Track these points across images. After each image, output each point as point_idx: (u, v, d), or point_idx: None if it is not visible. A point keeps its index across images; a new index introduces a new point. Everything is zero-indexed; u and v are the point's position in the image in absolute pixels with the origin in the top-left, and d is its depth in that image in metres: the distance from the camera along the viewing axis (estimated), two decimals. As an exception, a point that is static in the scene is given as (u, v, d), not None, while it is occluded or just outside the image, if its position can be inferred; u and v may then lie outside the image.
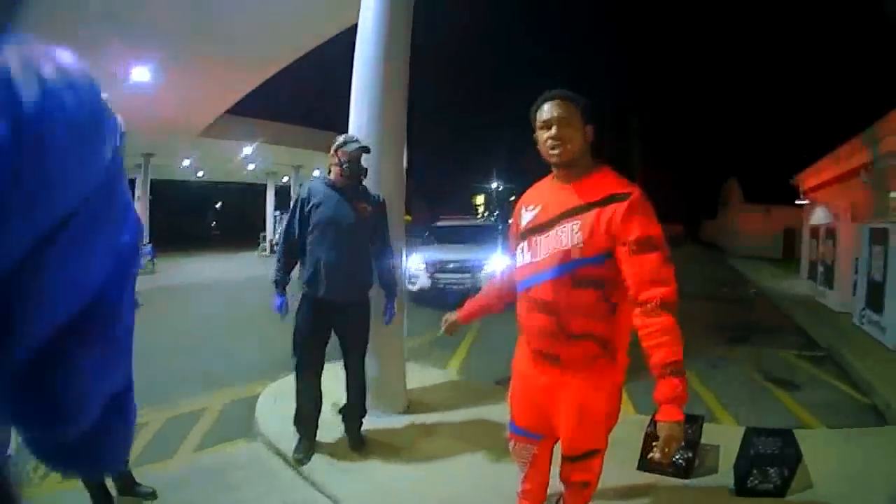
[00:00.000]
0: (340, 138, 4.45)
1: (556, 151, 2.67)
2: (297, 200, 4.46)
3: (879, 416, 6.09)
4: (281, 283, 4.49)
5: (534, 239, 2.74)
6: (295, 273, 4.56)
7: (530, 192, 2.96)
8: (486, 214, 46.20)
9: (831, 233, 14.58)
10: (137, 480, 3.95)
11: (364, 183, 4.57)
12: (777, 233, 31.10)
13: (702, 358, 8.24)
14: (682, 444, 2.26)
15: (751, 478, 3.80)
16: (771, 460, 3.80)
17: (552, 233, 2.64)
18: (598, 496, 3.15)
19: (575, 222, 2.56)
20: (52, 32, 7.95)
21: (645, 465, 4.13)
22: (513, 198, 64.51)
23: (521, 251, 2.81)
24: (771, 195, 29.98)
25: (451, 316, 3.40)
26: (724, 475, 4.07)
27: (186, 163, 30.58)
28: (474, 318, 3.41)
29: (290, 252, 4.49)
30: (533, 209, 2.83)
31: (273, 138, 25.29)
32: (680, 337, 2.35)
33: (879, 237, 10.08)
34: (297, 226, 4.41)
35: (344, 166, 4.35)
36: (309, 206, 4.36)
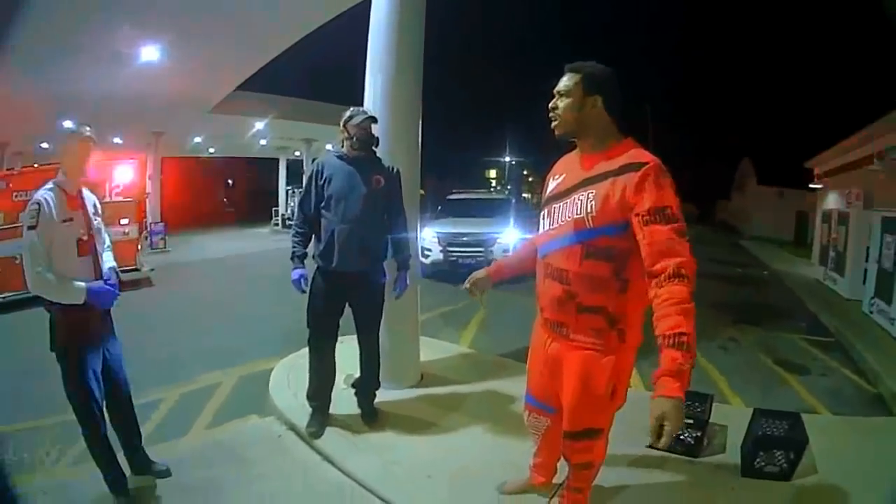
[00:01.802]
0: (348, 112, 4.43)
1: (552, 124, 2.75)
2: (310, 174, 4.47)
3: (885, 406, 6.06)
4: (299, 257, 4.48)
5: (553, 207, 2.77)
6: (311, 248, 4.55)
7: (559, 163, 2.97)
8: (499, 188, 45.97)
9: (843, 219, 14.40)
10: (151, 458, 3.96)
11: (378, 155, 4.55)
12: (790, 216, 30.73)
13: (712, 338, 8.28)
14: (681, 424, 2.10)
15: (757, 459, 3.78)
16: (778, 443, 3.79)
17: (569, 201, 2.66)
18: (606, 472, 3.18)
19: (590, 191, 2.56)
20: (61, 13, 7.96)
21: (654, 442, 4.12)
22: (525, 171, 64.21)
23: (543, 218, 2.85)
24: (785, 178, 29.53)
25: (479, 273, 3.38)
26: (731, 455, 4.06)
27: (197, 139, 30.54)
28: (502, 278, 3.38)
29: (306, 225, 4.49)
30: (557, 178, 2.86)
31: (285, 113, 25.13)
32: (690, 310, 2.22)
33: (892, 226, 9.98)
34: (311, 199, 4.41)
35: (354, 139, 4.35)
36: (322, 180, 4.36)
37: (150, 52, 13.67)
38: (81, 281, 3.33)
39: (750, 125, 46.80)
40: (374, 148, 4.47)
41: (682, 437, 4.03)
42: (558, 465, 3.32)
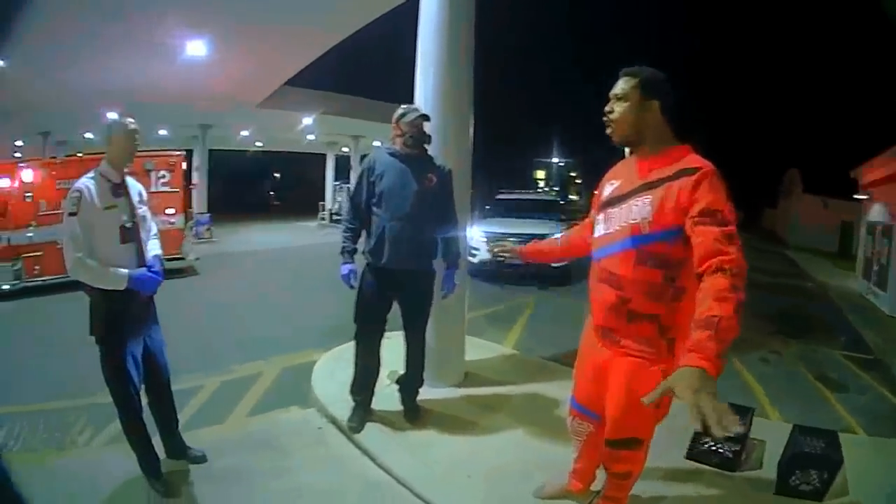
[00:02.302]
0: (401, 109, 4.40)
1: (607, 130, 2.73)
2: (362, 170, 4.44)
3: (921, 428, 5.87)
4: (349, 252, 4.44)
5: (610, 211, 2.75)
6: (361, 243, 4.52)
7: (615, 167, 2.94)
8: (546, 189, 45.82)
9: (887, 232, 14.00)
10: (188, 444, 3.97)
11: (430, 153, 4.50)
12: (834, 226, 30.06)
13: (755, 350, 8.15)
14: (713, 395, 1.93)
15: (793, 477, 3.69)
16: (814, 461, 3.68)
17: (625, 206, 2.64)
18: (643, 481, 3.14)
19: (646, 197, 2.54)
20: (112, 6, 8.06)
21: (693, 454, 4.05)
22: (573, 173, 63.92)
23: (598, 223, 2.83)
24: (831, 187, 28.96)
25: (509, 245, 3.53)
26: (768, 471, 3.95)
27: (245, 133, 30.90)
28: (531, 258, 3.49)
29: (357, 221, 4.46)
30: (614, 183, 2.83)
31: (332, 109, 25.29)
32: (728, 298, 2.09)
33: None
34: (363, 195, 4.38)
35: (406, 136, 4.31)
36: (374, 176, 4.33)
37: (197, 46, 13.84)
38: (124, 267, 3.34)
39: (798, 132, 46.09)
40: (426, 146, 4.42)
41: (720, 450, 3.95)
42: (597, 472, 3.31)
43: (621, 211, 2.66)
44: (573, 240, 3.32)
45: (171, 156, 13.42)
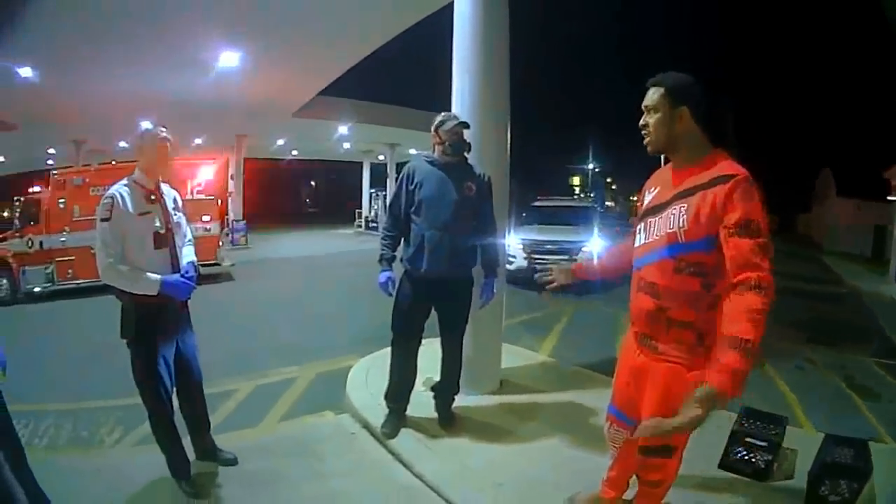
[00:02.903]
0: (440, 117, 4.37)
1: (644, 141, 2.71)
2: (401, 178, 4.42)
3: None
4: (387, 260, 4.41)
5: (649, 220, 2.74)
6: (399, 251, 4.50)
7: (654, 176, 2.93)
8: (582, 195, 45.60)
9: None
10: (219, 446, 3.98)
11: (469, 161, 4.47)
12: (868, 229, 29.53)
13: (788, 357, 8.04)
14: (703, 419, 2.21)
15: (822, 487, 3.60)
16: (843, 471, 3.59)
17: (663, 215, 2.62)
18: (675, 489, 3.10)
19: (683, 205, 2.52)
20: (140, 21, 8.18)
21: (726, 463, 3.95)
22: (609, 179, 63.60)
23: (639, 232, 2.82)
24: (865, 189, 28.50)
25: (564, 265, 3.49)
26: (799, 481, 3.84)
27: (280, 142, 31.20)
28: (584, 277, 3.45)
29: (396, 229, 4.44)
30: (653, 191, 2.82)
31: (368, 118, 25.47)
32: (761, 321, 2.19)
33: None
34: (402, 203, 4.36)
35: (446, 144, 4.28)
36: (413, 185, 4.31)
37: (232, 58, 14.05)
38: (158, 273, 3.35)
39: (831, 133, 45.53)
40: (465, 154, 4.40)
41: (753, 459, 3.84)
42: (630, 481, 3.27)
43: (659, 220, 2.64)
44: (622, 254, 3.24)
45: (208, 163, 13.62)
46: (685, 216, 2.48)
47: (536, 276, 3.47)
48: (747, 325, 2.17)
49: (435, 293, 4.35)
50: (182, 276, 3.50)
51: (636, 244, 2.84)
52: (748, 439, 3.85)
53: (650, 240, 2.69)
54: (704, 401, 2.16)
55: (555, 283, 3.45)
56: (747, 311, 2.19)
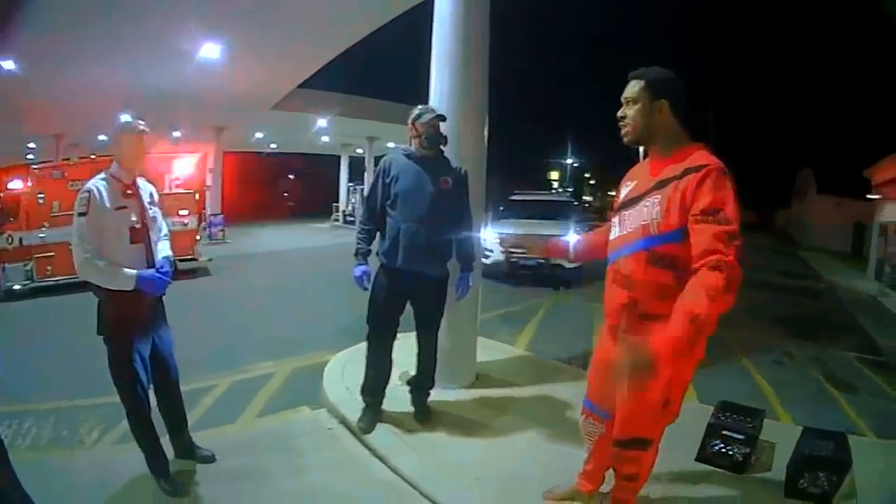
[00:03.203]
0: (416, 110, 4.37)
1: (621, 132, 2.77)
2: (378, 172, 4.42)
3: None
4: (363, 254, 4.41)
5: (624, 213, 2.80)
6: (374, 245, 4.50)
7: (632, 169, 2.97)
8: (560, 190, 45.70)
9: (899, 232, 13.93)
10: (198, 444, 3.97)
11: (446, 155, 4.48)
12: (847, 227, 29.88)
13: (766, 351, 8.15)
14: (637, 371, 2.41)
15: (801, 479, 3.65)
16: (823, 464, 3.64)
17: (638, 208, 2.68)
18: (652, 482, 3.15)
19: (656, 197, 2.57)
20: (121, 10, 8.12)
21: (703, 456, 4.02)
22: (587, 174, 63.77)
23: (614, 225, 2.87)
24: (844, 187, 28.73)
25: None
26: (777, 473, 3.90)
27: (259, 135, 31.03)
28: (556, 255, 3.60)
29: (372, 223, 4.45)
30: (629, 185, 2.87)
31: (347, 111, 25.40)
32: (716, 299, 2.18)
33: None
34: (378, 197, 4.36)
35: (422, 137, 4.28)
36: (389, 178, 4.32)
37: (211, 49, 13.94)
38: (133, 268, 3.34)
39: (811, 131, 45.85)
40: (442, 147, 4.40)
41: (730, 452, 3.93)
42: (606, 474, 3.30)
43: (634, 213, 2.69)
44: (595, 240, 3.31)
45: (186, 157, 13.52)
46: (658, 208, 2.52)
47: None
48: (701, 299, 2.19)
49: (410, 287, 4.36)
50: (157, 271, 3.48)
51: (611, 237, 2.88)
52: (725, 432, 3.93)
53: (625, 232, 2.74)
54: (635, 364, 2.31)
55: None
56: (703, 287, 2.21)
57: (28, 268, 11.17)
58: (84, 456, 4.26)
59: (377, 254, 4.42)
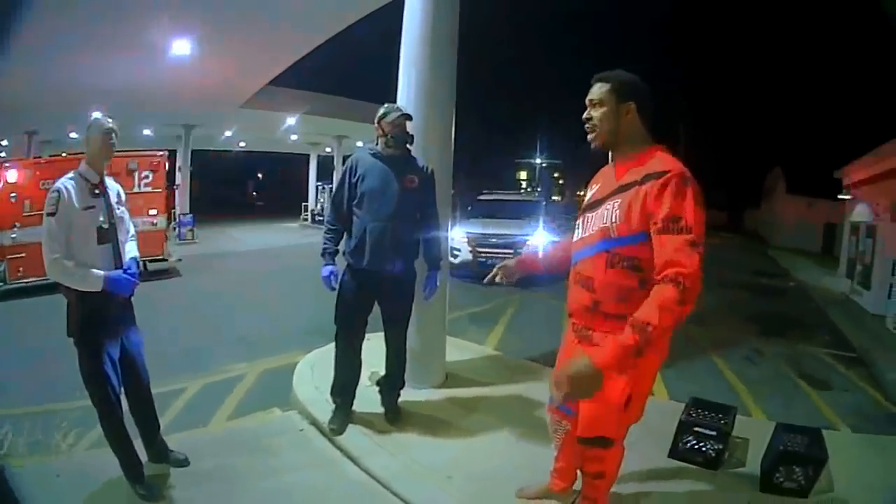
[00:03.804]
0: (382, 109, 4.38)
1: (589, 136, 2.76)
2: (344, 171, 4.43)
3: (905, 424, 5.92)
4: (330, 253, 4.43)
5: (587, 216, 2.81)
6: (342, 245, 4.51)
7: (599, 172, 2.98)
8: (529, 189, 45.69)
9: (871, 231, 14.12)
10: (170, 447, 3.96)
11: (413, 154, 4.50)
12: (817, 226, 30.26)
13: (737, 348, 8.25)
14: (571, 390, 2.38)
15: (777, 474, 3.71)
16: (798, 459, 3.70)
17: (599, 211, 2.70)
18: (624, 479, 3.21)
19: (616, 201, 2.59)
20: (95, 4, 8.04)
21: (676, 452, 4.07)
22: (556, 174, 63.89)
23: (577, 227, 2.89)
24: (814, 187, 28.93)
25: (509, 262, 3.47)
26: (751, 468, 3.98)
27: (228, 133, 30.76)
28: (528, 270, 3.49)
29: (338, 222, 4.45)
30: (594, 188, 2.90)
31: (316, 109, 25.22)
32: (671, 313, 2.25)
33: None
34: (344, 196, 4.37)
35: (388, 136, 4.29)
36: (356, 177, 4.32)
37: (182, 46, 13.82)
38: (101, 269, 3.34)
39: (781, 132, 46.26)
40: (408, 146, 4.42)
41: (703, 448, 3.97)
42: (578, 471, 3.30)
43: (595, 215, 2.71)
44: (565, 249, 3.24)
45: (155, 156, 13.37)
46: (617, 212, 2.55)
47: (485, 281, 3.51)
48: (655, 312, 2.24)
49: (377, 287, 4.39)
50: (125, 271, 3.48)
51: (574, 239, 2.90)
52: (697, 429, 3.97)
53: (586, 234, 2.76)
54: (570, 374, 2.29)
55: (499, 279, 3.46)
56: (659, 300, 2.25)
57: (1, 269, 10.94)
58: (59, 461, 4.23)
59: (344, 253, 4.43)
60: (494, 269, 3.45)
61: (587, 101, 2.74)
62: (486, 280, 3.50)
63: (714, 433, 3.95)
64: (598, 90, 2.70)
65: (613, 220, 2.56)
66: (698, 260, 2.29)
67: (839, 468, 3.88)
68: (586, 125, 2.75)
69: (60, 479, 3.79)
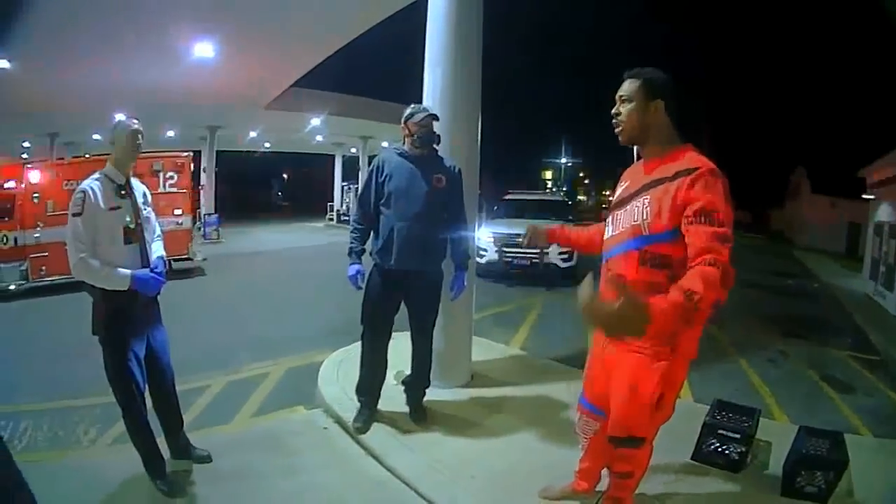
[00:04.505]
0: (409, 109, 4.36)
1: (616, 130, 2.77)
2: (371, 171, 4.41)
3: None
4: (356, 253, 4.41)
5: (616, 213, 2.80)
6: (368, 244, 4.49)
7: (628, 170, 2.98)
8: (555, 189, 45.66)
9: (894, 232, 13.90)
10: (193, 444, 3.97)
11: (439, 153, 4.48)
12: (842, 227, 29.90)
13: (761, 350, 8.15)
14: (606, 324, 2.18)
15: (798, 478, 3.65)
16: (819, 463, 3.64)
17: (629, 208, 2.69)
18: (648, 480, 3.13)
19: (646, 198, 2.58)
20: (116, 10, 8.11)
21: (700, 455, 4.02)
22: (581, 173, 63.75)
23: (608, 224, 2.88)
24: (838, 187, 28.67)
25: (540, 227, 3.55)
26: (774, 471, 3.92)
27: (253, 134, 30.98)
28: (558, 241, 3.55)
29: (365, 222, 4.43)
30: (623, 185, 2.88)
31: (341, 110, 25.38)
32: (713, 286, 2.14)
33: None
34: (371, 196, 4.35)
35: (415, 137, 4.27)
36: (383, 177, 4.30)
37: (205, 48, 13.96)
38: (127, 268, 3.35)
39: (805, 131, 45.80)
40: (435, 146, 4.39)
41: (726, 451, 3.93)
42: (602, 472, 3.29)
43: (626, 212, 2.69)
44: (593, 235, 3.30)
45: (179, 157, 13.46)
46: (648, 209, 2.53)
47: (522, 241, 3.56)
48: (699, 282, 2.14)
49: (404, 286, 4.37)
50: (151, 271, 3.49)
51: (605, 236, 2.89)
52: (721, 431, 3.92)
53: (616, 232, 2.75)
54: (629, 302, 2.06)
55: (528, 240, 3.54)
56: (704, 276, 2.17)
57: (23, 268, 11.08)
58: (80, 456, 4.25)
59: (370, 253, 4.41)
60: (528, 232, 3.54)
61: (616, 97, 2.73)
62: (521, 240, 3.59)
63: (738, 436, 3.90)
64: (627, 86, 2.70)
65: (645, 217, 2.54)
66: (728, 254, 2.25)
67: (860, 473, 3.82)
68: (613, 120, 2.75)
69: (80, 474, 3.82)
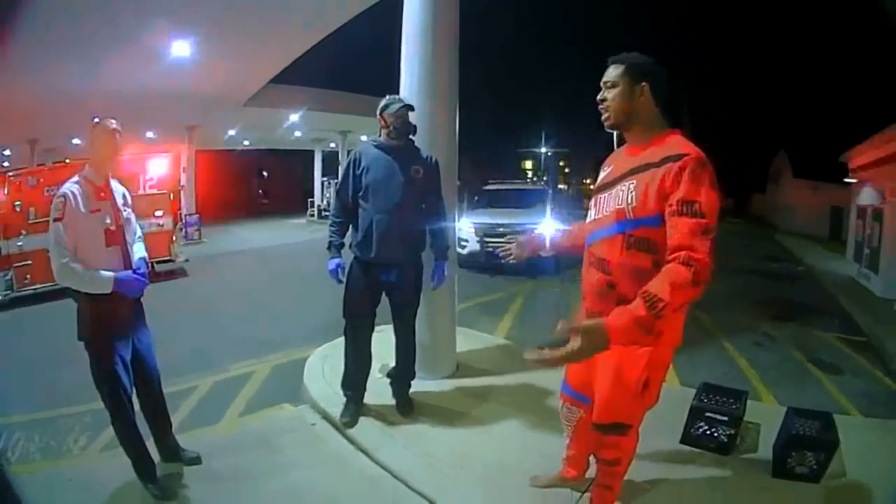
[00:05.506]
0: (384, 100, 4.37)
1: (602, 117, 2.74)
2: (348, 163, 4.41)
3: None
4: (336, 246, 4.41)
5: (600, 197, 2.80)
6: (348, 238, 4.49)
7: (612, 154, 2.97)
8: (535, 178, 45.69)
9: (878, 214, 14.05)
10: (182, 446, 3.96)
11: (416, 144, 4.48)
12: (825, 211, 30.07)
13: (747, 333, 8.22)
14: (584, 354, 2.24)
15: (789, 459, 3.68)
16: (810, 443, 3.67)
17: (613, 192, 2.67)
18: (636, 466, 3.12)
19: (632, 182, 2.56)
20: (94, 9, 8.02)
21: (688, 438, 4.05)
22: (562, 162, 63.85)
23: (591, 208, 2.88)
24: (820, 171, 28.78)
25: (521, 238, 3.64)
26: (763, 453, 3.96)
27: (232, 132, 30.77)
28: (535, 250, 3.60)
29: (343, 215, 4.43)
30: (606, 169, 2.87)
31: (319, 105, 25.21)
32: (681, 291, 2.18)
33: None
34: (349, 189, 4.35)
35: (391, 128, 4.28)
36: (360, 169, 4.30)
37: (182, 47, 13.83)
38: (110, 271, 3.33)
39: (787, 116, 45.94)
40: (411, 137, 4.40)
41: (715, 434, 3.96)
42: (590, 459, 3.29)
43: (609, 196, 2.68)
44: (574, 232, 3.29)
45: (159, 157, 13.39)
46: (634, 193, 2.52)
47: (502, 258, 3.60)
48: (667, 288, 2.17)
49: (384, 279, 4.36)
50: (134, 272, 3.48)
51: (587, 220, 2.89)
52: (709, 414, 3.95)
53: (600, 216, 2.74)
54: (586, 331, 2.18)
55: (513, 258, 3.58)
56: (672, 277, 2.20)
57: (7, 277, 10.97)
58: (71, 465, 4.25)
59: (350, 246, 4.42)
60: (512, 249, 3.59)
61: (602, 84, 2.73)
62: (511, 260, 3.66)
63: (725, 418, 3.92)
64: (612, 71, 2.69)
65: (630, 201, 2.53)
66: (709, 247, 2.26)
67: (851, 452, 3.86)
68: (600, 106, 2.74)
69: (73, 483, 3.80)
